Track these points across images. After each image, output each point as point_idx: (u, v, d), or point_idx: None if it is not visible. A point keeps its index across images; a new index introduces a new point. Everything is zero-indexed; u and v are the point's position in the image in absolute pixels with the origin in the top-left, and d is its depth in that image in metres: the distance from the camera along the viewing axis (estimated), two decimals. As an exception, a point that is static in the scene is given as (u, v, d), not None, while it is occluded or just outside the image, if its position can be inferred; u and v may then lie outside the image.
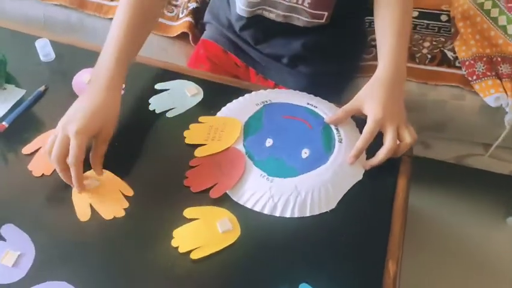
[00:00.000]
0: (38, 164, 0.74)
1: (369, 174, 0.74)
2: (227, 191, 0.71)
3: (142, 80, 0.88)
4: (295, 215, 0.69)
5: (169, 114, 0.82)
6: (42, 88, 0.84)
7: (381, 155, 0.73)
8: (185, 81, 0.87)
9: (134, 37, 0.79)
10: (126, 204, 0.70)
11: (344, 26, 0.93)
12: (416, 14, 1.24)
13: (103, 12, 1.32)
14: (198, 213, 0.69)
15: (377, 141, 0.75)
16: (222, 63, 1.04)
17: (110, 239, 0.68)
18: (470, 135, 1.21)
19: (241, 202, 0.71)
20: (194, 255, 0.65)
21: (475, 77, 1.09)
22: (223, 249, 0.66)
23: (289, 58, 0.96)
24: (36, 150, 0.76)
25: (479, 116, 1.13)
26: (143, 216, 0.70)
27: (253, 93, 0.85)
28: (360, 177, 0.74)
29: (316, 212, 0.70)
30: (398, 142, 0.74)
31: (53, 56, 0.90)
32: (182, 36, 1.26)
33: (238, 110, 0.81)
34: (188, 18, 1.24)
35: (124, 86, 0.84)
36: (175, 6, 1.30)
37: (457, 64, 1.14)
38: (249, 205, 0.70)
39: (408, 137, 0.74)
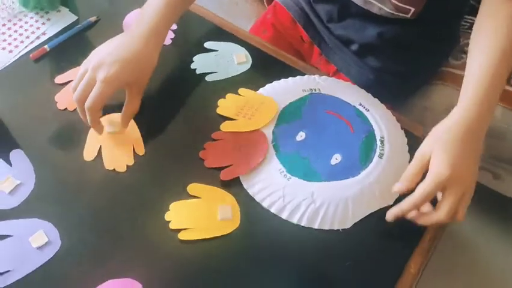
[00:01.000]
0: (64, 96, 0.73)
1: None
2: (240, 176, 0.66)
3: (192, 34, 0.82)
4: (302, 223, 0.62)
5: (208, 78, 0.76)
6: (93, 19, 0.81)
7: (423, 221, 0.59)
8: (237, 45, 0.80)
9: None
10: (131, 162, 0.67)
11: (432, 24, 0.81)
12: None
13: None
14: (202, 192, 0.65)
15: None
16: (287, 33, 0.95)
17: (105, 191, 0.65)
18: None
19: (250, 192, 0.64)
20: (182, 236, 0.61)
21: None
22: (214, 238, 0.61)
23: (360, 46, 0.85)
24: (68, 82, 0.75)
25: None
26: (144, 179, 0.66)
27: (305, 76, 0.76)
28: (390, 202, 0.64)
29: (326, 227, 0.62)
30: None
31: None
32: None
33: (281, 92, 0.74)
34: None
35: (173, 36, 0.80)
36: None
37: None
38: (257, 198, 0.64)
39: (461, 213, 0.58)
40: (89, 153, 0.68)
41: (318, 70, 0.80)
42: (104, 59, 0.65)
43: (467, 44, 0.70)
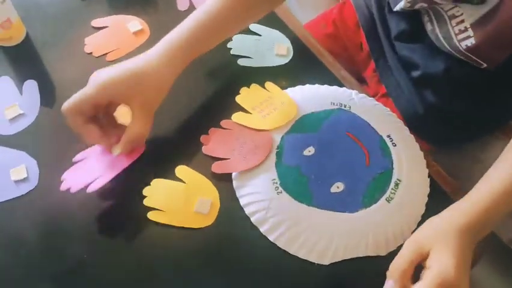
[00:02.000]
0: (93, 41, 0.72)
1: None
2: (232, 174, 0.62)
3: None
4: (279, 244, 0.57)
5: (241, 61, 0.72)
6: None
7: None
8: (283, 35, 0.75)
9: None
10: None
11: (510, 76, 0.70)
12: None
13: None
14: (188, 177, 0.61)
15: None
16: (347, 35, 0.87)
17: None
18: None
19: (237, 194, 0.60)
20: (151, 215, 0.58)
21: None
22: (182, 228, 0.58)
23: (422, 74, 0.74)
24: (103, 28, 0.74)
25: None
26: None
27: (341, 89, 0.69)
28: (383, 253, 0.57)
29: (301, 256, 0.56)
30: None
31: None
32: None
33: (308, 98, 0.67)
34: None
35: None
36: None
37: None
38: (241, 202, 0.59)
39: None
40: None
41: (360, 85, 0.73)
42: (107, 68, 0.60)
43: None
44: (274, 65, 0.71)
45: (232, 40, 0.73)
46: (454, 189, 0.64)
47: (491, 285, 1.16)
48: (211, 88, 0.69)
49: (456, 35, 0.66)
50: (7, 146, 0.63)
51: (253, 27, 0.75)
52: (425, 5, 0.67)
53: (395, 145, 0.63)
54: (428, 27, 0.70)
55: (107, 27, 0.74)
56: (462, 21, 0.65)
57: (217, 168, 0.61)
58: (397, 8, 0.72)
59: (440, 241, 0.50)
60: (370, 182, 0.60)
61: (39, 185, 0.60)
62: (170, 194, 0.60)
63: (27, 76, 0.68)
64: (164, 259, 0.56)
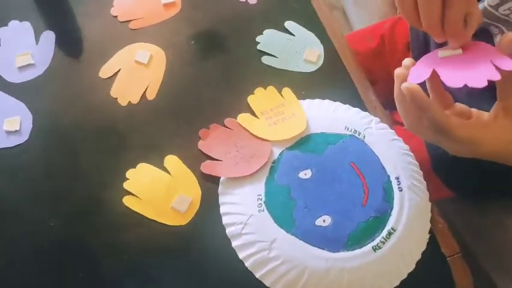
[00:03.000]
0: (121, 5, 0.69)
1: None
2: (221, 177, 0.59)
3: (283, 3, 0.72)
4: (246, 264, 0.54)
5: (265, 59, 0.67)
6: None
7: None
8: (318, 41, 0.69)
9: None
10: (135, 100, 0.62)
11: None
12: None
13: None
14: (175, 169, 0.59)
15: None
16: (392, 54, 0.79)
17: (98, 114, 0.62)
18: None
19: (219, 200, 0.58)
20: (126, 200, 0.56)
21: None
22: (153, 221, 0.56)
23: None
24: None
25: None
26: (136, 123, 0.62)
27: (361, 113, 0.64)
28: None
29: (267, 283, 0.53)
30: None
31: None
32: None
33: (323, 116, 0.62)
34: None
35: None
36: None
37: None
38: (221, 210, 0.57)
39: None
40: (105, 71, 0.64)
41: (389, 112, 0.67)
42: None
43: None
44: (300, 70, 0.66)
45: (262, 34, 0.69)
46: (453, 252, 0.58)
47: None
48: (227, 80, 0.65)
49: None
50: (9, 93, 0.62)
51: (289, 25, 0.70)
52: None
53: (401, 190, 0.58)
54: None
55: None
56: None
57: (206, 168, 0.58)
58: None
59: None
60: (361, 224, 0.55)
61: (29, 141, 0.60)
62: (152, 182, 0.58)
63: (48, 26, 0.67)
64: (124, 246, 0.55)
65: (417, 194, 0.58)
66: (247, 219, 0.55)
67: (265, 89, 0.64)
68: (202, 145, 0.60)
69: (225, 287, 0.54)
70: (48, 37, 0.66)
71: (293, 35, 0.69)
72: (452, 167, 0.68)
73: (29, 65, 0.64)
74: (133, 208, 0.56)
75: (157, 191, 0.57)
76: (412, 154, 0.62)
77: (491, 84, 0.43)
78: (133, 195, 0.57)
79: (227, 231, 0.56)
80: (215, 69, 0.66)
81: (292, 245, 0.54)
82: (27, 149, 0.59)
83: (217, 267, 0.54)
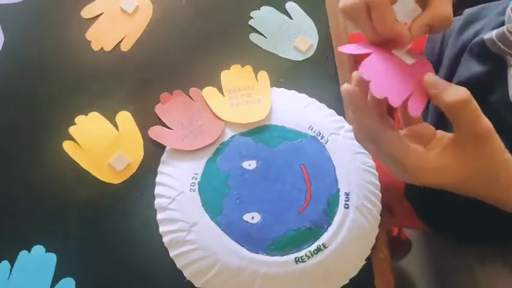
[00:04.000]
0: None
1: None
2: (166, 147, 0.57)
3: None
4: (163, 239, 0.52)
5: (252, 37, 0.63)
6: None
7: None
8: (315, 30, 0.64)
9: None
10: (109, 48, 0.61)
11: None
12: None
13: None
14: (124, 126, 0.57)
15: None
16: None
17: (71, 56, 0.61)
18: None
19: (158, 168, 0.55)
20: (66, 145, 0.56)
21: None
22: (87, 174, 0.55)
23: None
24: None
25: None
26: (103, 70, 0.60)
27: (337, 117, 0.59)
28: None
29: (178, 265, 0.51)
30: None
31: None
32: None
33: (291, 109, 0.58)
34: None
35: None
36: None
37: None
38: (157, 178, 0.54)
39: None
40: (88, 11, 0.63)
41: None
42: None
43: None
44: (285, 57, 0.62)
45: (259, 10, 0.65)
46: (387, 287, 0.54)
47: None
48: (206, 49, 0.62)
49: None
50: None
51: (290, 6, 0.65)
52: None
53: (347, 207, 0.53)
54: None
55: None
56: None
57: (153, 133, 0.57)
58: (490, 35, 0.58)
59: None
60: (290, 231, 0.52)
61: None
62: (98, 134, 0.57)
63: None
64: (48, 188, 0.54)
65: (364, 215, 0.54)
66: (176, 195, 0.53)
67: (242, 67, 0.61)
68: (159, 109, 0.58)
69: (137, 257, 0.52)
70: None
71: (291, 18, 0.65)
72: (425, 195, 0.63)
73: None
74: (70, 154, 0.56)
75: (100, 143, 0.56)
76: (377, 173, 0.57)
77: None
78: (75, 141, 0.56)
79: (155, 201, 0.54)
80: (198, 35, 0.63)
81: (212, 233, 0.51)
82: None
83: (136, 235, 0.53)
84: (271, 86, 0.60)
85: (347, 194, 0.54)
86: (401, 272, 1.14)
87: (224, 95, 0.59)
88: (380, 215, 0.55)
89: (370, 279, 0.53)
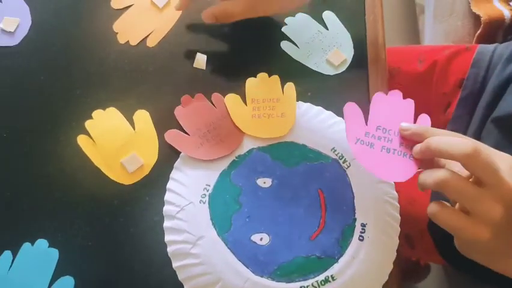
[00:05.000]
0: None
1: None
2: (181, 153, 0.55)
3: None
4: (168, 249, 0.51)
5: (284, 45, 0.61)
6: None
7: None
8: (350, 44, 0.61)
9: None
10: (134, 42, 0.60)
11: None
12: None
13: None
14: (141, 126, 0.56)
15: None
16: (438, 86, 0.70)
17: (96, 45, 0.60)
18: None
19: (171, 174, 0.54)
20: (80, 139, 0.55)
21: None
22: (97, 171, 0.54)
23: None
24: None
25: None
26: (125, 67, 0.59)
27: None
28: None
29: (180, 278, 0.50)
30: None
31: None
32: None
33: (315, 128, 0.56)
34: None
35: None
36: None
37: None
38: (168, 184, 0.53)
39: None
40: (118, 2, 0.62)
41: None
42: None
43: None
44: (316, 70, 0.60)
45: (293, 16, 0.63)
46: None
47: None
48: (234, 53, 0.61)
49: None
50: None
51: (327, 15, 0.63)
52: None
53: (362, 239, 0.51)
54: None
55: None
56: None
57: (169, 136, 0.55)
58: None
59: None
60: (298, 258, 0.50)
61: (18, 47, 0.60)
62: (113, 130, 0.56)
63: None
64: (59, 182, 0.54)
65: (379, 250, 0.52)
66: (186, 205, 0.52)
67: (269, 76, 0.59)
68: (178, 111, 0.57)
69: (140, 263, 0.52)
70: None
71: (327, 28, 0.62)
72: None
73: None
74: (83, 148, 0.55)
75: (114, 141, 0.56)
76: (398, 205, 0.55)
77: None
78: (90, 136, 0.56)
79: (164, 208, 0.53)
80: (227, 36, 0.62)
81: (218, 250, 0.50)
82: (14, 55, 0.59)
83: (141, 240, 0.52)
84: (298, 99, 0.58)
85: (363, 225, 0.52)
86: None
87: (246, 105, 0.57)
88: (397, 250, 0.53)
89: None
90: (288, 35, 0.62)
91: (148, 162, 0.55)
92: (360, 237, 0.52)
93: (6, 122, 0.56)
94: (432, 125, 0.70)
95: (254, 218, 0.51)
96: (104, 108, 0.57)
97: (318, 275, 0.50)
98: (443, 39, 0.84)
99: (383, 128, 0.51)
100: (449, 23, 0.86)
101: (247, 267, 0.50)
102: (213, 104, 0.58)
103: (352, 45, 0.62)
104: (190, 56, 0.60)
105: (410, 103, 0.52)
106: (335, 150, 0.55)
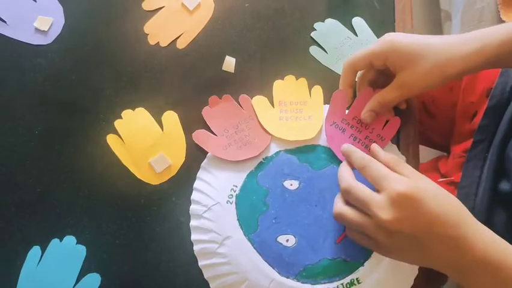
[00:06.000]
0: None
1: None
2: (208, 153, 0.57)
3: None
4: (194, 247, 0.52)
5: (313, 50, 0.63)
6: None
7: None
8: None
9: None
10: (165, 43, 0.61)
11: None
12: None
13: None
14: (169, 127, 0.58)
15: None
16: (466, 94, 0.70)
17: (126, 45, 0.62)
18: None
19: (198, 173, 0.56)
20: (109, 138, 0.57)
21: None
22: (125, 171, 0.56)
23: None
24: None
25: None
26: (155, 68, 0.61)
27: (391, 146, 0.58)
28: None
29: (206, 277, 0.52)
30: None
31: None
32: None
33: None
34: None
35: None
36: None
37: None
38: (195, 183, 0.55)
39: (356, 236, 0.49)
40: (150, 3, 0.64)
41: (432, 160, 0.60)
42: (403, 34, 0.57)
43: None
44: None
45: (323, 22, 0.64)
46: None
47: None
48: (264, 55, 0.62)
49: None
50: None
51: (356, 21, 0.64)
52: None
53: (388, 245, 0.52)
54: None
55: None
56: None
57: (197, 137, 0.57)
58: None
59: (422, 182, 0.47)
60: (324, 261, 0.51)
61: (51, 46, 0.62)
62: (142, 131, 0.58)
63: None
64: (87, 180, 0.56)
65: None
66: (212, 204, 0.54)
67: (297, 79, 0.61)
68: (206, 112, 0.59)
69: (166, 262, 0.53)
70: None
71: (356, 34, 0.64)
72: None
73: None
74: (112, 148, 0.57)
75: (143, 141, 0.57)
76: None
77: None
78: (119, 136, 0.58)
79: (191, 207, 0.55)
80: (256, 40, 0.63)
81: (244, 250, 0.52)
82: (46, 53, 0.61)
83: (167, 239, 0.54)
84: (325, 103, 0.60)
85: (389, 230, 0.53)
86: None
87: (274, 107, 0.59)
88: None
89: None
90: (317, 40, 0.63)
91: (175, 163, 0.57)
92: (387, 242, 0.53)
93: (38, 120, 0.58)
94: (458, 134, 0.71)
95: (281, 220, 0.53)
96: (133, 109, 0.59)
97: (343, 278, 0.51)
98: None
99: (358, 119, 0.58)
100: (475, 28, 0.86)
101: (273, 268, 0.51)
102: (240, 106, 0.60)
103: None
104: (219, 58, 0.62)
105: None
106: (362, 155, 0.56)
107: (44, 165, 0.56)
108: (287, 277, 0.51)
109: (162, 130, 0.58)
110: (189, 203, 0.55)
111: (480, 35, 0.53)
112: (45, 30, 0.62)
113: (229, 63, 0.62)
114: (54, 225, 0.54)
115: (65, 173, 0.56)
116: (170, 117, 0.59)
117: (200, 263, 0.52)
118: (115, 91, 0.60)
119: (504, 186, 0.59)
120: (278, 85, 0.60)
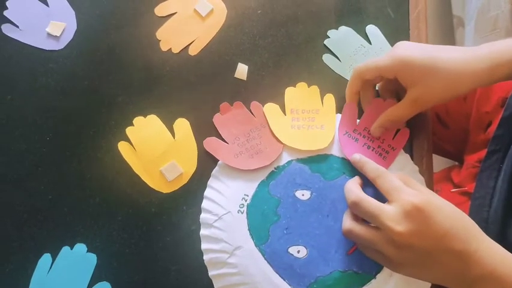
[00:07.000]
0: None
1: None
2: (219, 161, 0.57)
3: (375, 5, 0.67)
4: (204, 257, 0.53)
5: (326, 58, 0.63)
6: None
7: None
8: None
9: None
10: (177, 50, 0.62)
11: None
12: None
13: None
14: (181, 135, 0.58)
15: None
16: (480, 104, 0.70)
17: (138, 50, 0.63)
18: None
19: (209, 181, 0.56)
20: (121, 145, 0.58)
21: None
22: (136, 178, 0.56)
23: None
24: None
25: None
26: (166, 74, 0.61)
27: (403, 155, 0.58)
28: None
29: (216, 287, 0.52)
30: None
31: None
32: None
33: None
34: None
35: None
36: None
37: None
38: (205, 192, 0.56)
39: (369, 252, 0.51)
40: (162, 9, 0.65)
41: (444, 170, 0.60)
42: (412, 43, 0.58)
43: None
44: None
45: (337, 30, 0.64)
46: None
47: None
48: (276, 63, 0.63)
49: None
50: (67, -1, 0.66)
51: (370, 29, 0.65)
52: None
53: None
54: None
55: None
56: None
57: (208, 144, 0.58)
58: None
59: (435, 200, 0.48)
60: (335, 273, 0.52)
61: (63, 51, 0.62)
62: (154, 138, 0.59)
63: None
64: (98, 188, 0.56)
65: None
66: (223, 214, 0.54)
67: (309, 87, 0.61)
68: (217, 119, 0.59)
69: (176, 271, 0.54)
70: None
71: (370, 43, 0.64)
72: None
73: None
74: (123, 155, 0.58)
75: (154, 149, 0.58)
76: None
77: None
78: (130, 143, 0.59)
79: (201, 215, 0.55)
80: (269, 47, 0.64)
81: (255, 260, 0.52)
82: (58, 58, 0.62)
83: (177, 248, 0.55)
84: (337, 112, 0.60)
85: (402, 242, 0.53)
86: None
87: (286, 115, 0.59)
88: (435, 269, 0.54)
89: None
90: (330, 48, 0.64)
91: (187, 171, 0.57)
92: (399, 255, 0.53)
93: (49, 126, 0.59)
94: (472, 144, 0.71)
95: (292, 230, 0.53)
96: (145, 116, 0.59)
97: (354, 290, 0.51)
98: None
99: (368, 130, 0.59)
100: (491, 39, 0.86)
101: (284, 280, 0.52)
102: (252, 113, 0.60)
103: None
104: (232, 65, 0.63)
105: None
106: (375, 166, 0.56)
107: (56, 172, 0.57)
108: (298, 285, 0.51)
109: (174, 138, 0.59)
110: (200, 211, 0.56)
111: (491, 52, 0.54)
112: (58, 35, 0.63)
113: (242, 71, 0.62)
114: (65, 233, 0.55)
115: (76, 180, 0.57)
116: (182, 125, 0.59)
117: (210, 273, 0.53)
118: (127, 98, 0.61)
119: None
120: (290, 92, 0.61)
